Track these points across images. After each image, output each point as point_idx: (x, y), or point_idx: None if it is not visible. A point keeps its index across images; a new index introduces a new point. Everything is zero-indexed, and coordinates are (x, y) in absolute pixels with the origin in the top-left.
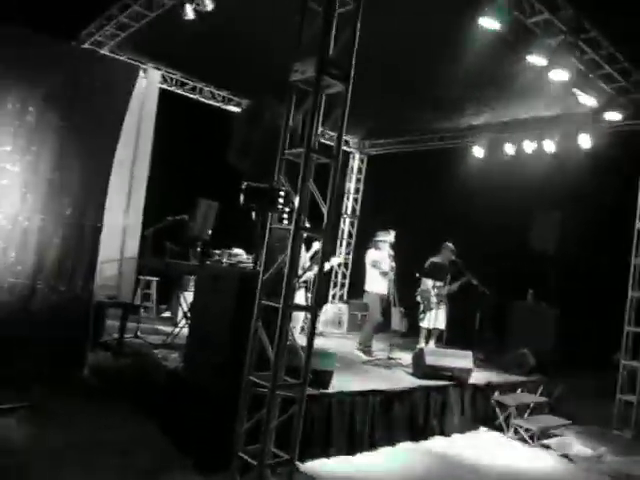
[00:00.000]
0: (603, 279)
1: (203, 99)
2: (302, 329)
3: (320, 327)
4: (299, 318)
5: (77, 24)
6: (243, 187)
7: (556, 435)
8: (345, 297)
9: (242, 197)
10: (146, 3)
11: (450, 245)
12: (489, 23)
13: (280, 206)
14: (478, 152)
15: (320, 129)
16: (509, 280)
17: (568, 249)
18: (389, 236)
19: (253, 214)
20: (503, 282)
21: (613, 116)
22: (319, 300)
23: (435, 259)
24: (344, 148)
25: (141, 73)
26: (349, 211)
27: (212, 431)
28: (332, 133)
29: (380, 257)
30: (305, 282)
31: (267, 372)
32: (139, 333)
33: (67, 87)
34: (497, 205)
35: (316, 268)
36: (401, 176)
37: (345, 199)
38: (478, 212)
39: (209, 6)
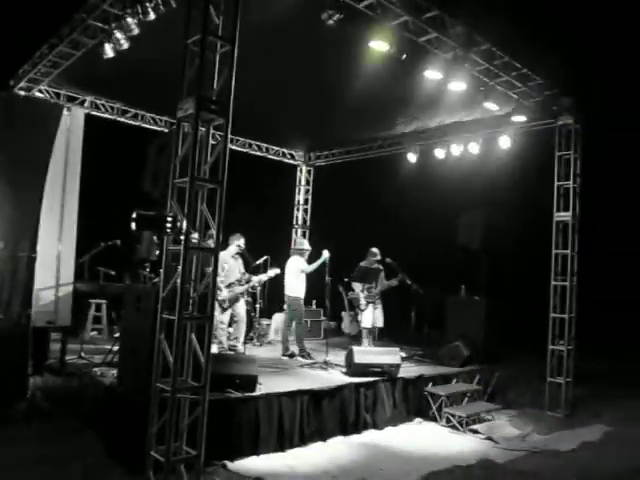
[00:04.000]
0: (529, 270)
1: (143, 124)
2: (251, 339)
3: (271, 335)
4: (241, 329)
5: (7, 70)
6: (134, 216)
7: (488, 420)
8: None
9: (134, 224)
10: (71, 43)
11: (374, 250)
12: (379, 45)
13: (168, 230)
14: (411, 157)
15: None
16: (442, 277)
17: (495, 244)
18: (304, 244)
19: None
20: (437, 279)
21: (519, 118)
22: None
23: (362, 264)
24: (290, 162)
25: (65, 112)
26: (300, 222)
27: (138, 437)
28: (276, 148)
29: (304, 263)
30: (242, 294)
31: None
32: (82, 354)
33: None
34: (431, 206)
35: (253, 282)
36: (346, 184)
37: (295, 210)
38: (414, 214)
39: (125, 45)
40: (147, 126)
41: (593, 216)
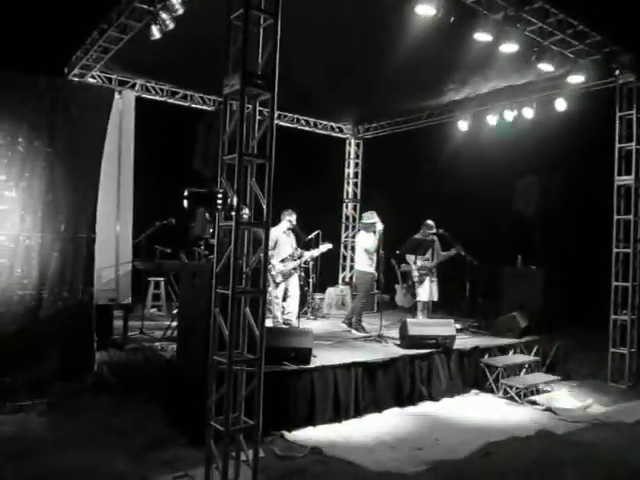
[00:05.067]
0: (588, 237)
1: (192, 104)
2: (305, 313)
3: (325, 309)
4: (295, 304)
5: (61, 57)
6: (185, 193)
7: (547, 392)
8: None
9: (185, 202)
10: (119, 27)
11: (429, 222)
12: (425, 10)
13: (219, 206)
14: (462, 126)
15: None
16: (498, 248)
17: (552, 210)
18: (374, 217)
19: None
20: (492, 250)
21: (576, 79)
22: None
23: (416, 236)
24: (339, 135)
25: (116, 95)
26: (350, 195)
27: (198, 408)
28: (324, 122)
29: (370, 239)
30: (295, 269)
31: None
32: (143, 330)
33: (50, 116)
34: (484, 175)
35: (305, 257)
36: (396, 156)
37: (345, 184)
38: (467, 184)
39: (170, 25)
40: (196, 106)
41: None
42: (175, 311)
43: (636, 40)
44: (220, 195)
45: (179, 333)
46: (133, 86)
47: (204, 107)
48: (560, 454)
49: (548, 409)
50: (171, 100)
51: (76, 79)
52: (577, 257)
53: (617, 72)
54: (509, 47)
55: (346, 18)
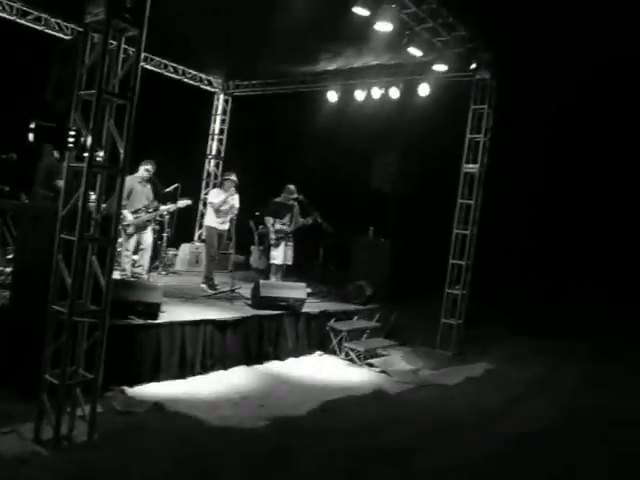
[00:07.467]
0: (436, 217)
1: (47, 29)
2: (156, 267)
3: (177, 266)
4: (146, 257)
5: None
6: (32, 126)
7: (384, 355)
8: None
9: (31, 135)
10: None
11: (290, 187)
12: None
13: (70, 145)
14: (332, 96)
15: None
16: (353, 218)
17: (405, 188)
18: (232, 176)
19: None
20: (347, 220)
21: (440, 67)
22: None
23: (276, 199)
24: (207, 88)
25: None
26: (213, 152)
27: (32, 360)
28: (194, 72)
29: (220, 196)
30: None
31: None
32: None
33: None
34: (347, 147)
35: (161, 210)
36: (265, 118)
37: (209, 139)
38: (330, 153)
39: None
40: (51, 32)
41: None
42: (10, 256)
43: (495, 40)
44: (72, 133)
45: (14, 279)
46: None
47: (60, 35)
48: (392, 411)
49: (383, 371)
50: (21, 21)
51: None
52: (424, 234)
53: (475, 67)
54: (384, 26)
55: None
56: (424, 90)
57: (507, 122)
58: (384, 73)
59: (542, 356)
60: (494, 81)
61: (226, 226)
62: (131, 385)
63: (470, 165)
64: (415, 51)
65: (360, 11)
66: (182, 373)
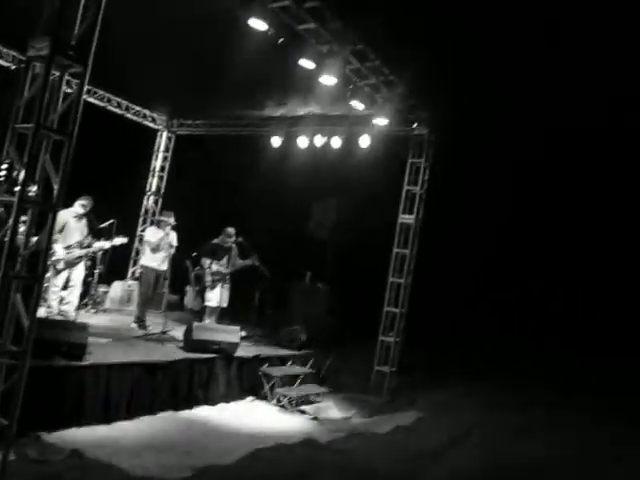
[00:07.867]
0: (372, 265)
1: None
2: (85, 305)
3: (108, 304)
4: (75, 294)
5: None
6: None
7: (317, 402)
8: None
9: None
10: None
11: (229, 230)
12: (257, 24)
13: (1, 178)
14: (275, 142)
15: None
16: (290, 263)
17: (342, 236)
18: (171, 218)
19: None
20: (285, 264)
21: (381, 121)
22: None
23: (214, 241)
24: (150, 125)
25: None
26: (153, 188)
27: None
28: (137, 108)
29: (157, 235)
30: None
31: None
32: None
33: None
34: (287, 193)
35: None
36: (208, 158)
37: (150, 176)
38: (270, 197)
39: None
40: None
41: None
42: None
43: (433, 98)
44: (4, 166)
45: None
46: None
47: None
48: (321, 460)
49: (315, 418)
50: None
51: None
52: (361, 281)
53: (413, 123)
54: (329, 80)
55: (174, 14)
56: (365, 141)
57: (444, 175)
58: (327, 122)
59: (472, 401)
60: (432, 136)
61: (165, 266)
62: (49, 431)
63: (406, 216)
64: (357, 104)
65: (306, 64)
66: (106, 418)
